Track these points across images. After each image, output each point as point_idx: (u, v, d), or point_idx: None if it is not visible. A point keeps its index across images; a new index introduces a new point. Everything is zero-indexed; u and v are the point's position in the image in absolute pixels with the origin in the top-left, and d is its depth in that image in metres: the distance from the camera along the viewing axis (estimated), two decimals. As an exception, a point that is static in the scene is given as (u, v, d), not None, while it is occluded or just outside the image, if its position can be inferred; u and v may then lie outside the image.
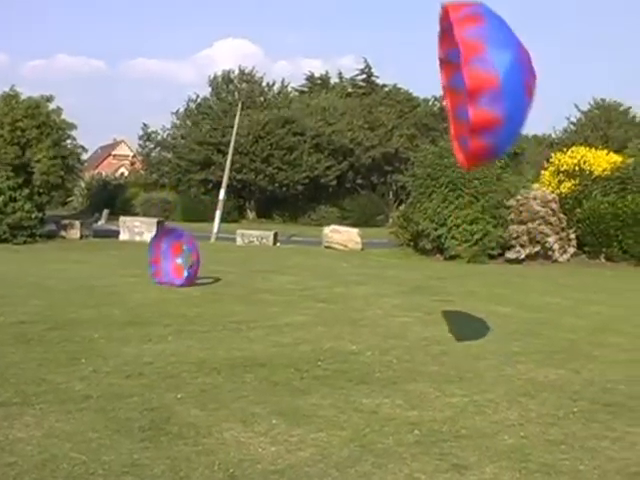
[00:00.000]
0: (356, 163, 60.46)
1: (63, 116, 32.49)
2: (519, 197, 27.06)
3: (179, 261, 16.92)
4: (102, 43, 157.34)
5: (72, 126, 32.68)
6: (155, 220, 34.22)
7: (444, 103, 9.29)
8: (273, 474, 5.50)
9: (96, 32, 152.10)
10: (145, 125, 61.87)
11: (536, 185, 29.57)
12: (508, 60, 7.25)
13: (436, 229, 26.78)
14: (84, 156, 39.41)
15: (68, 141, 32.79)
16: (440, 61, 8.72)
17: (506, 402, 7.63)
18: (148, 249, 17.39)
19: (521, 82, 7.42)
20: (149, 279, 16.72)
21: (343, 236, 32.01)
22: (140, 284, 16.61)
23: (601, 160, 29.65)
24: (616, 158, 30.14)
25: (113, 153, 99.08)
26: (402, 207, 34.40)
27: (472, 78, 7.21)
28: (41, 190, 30.97)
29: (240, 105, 45.05)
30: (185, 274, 16.53)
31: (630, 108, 65.42)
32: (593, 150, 31.02)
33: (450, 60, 8.25)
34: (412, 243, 28.82)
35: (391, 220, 36.36)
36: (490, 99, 7.22)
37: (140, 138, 62.57)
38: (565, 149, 32.00)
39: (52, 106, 32.32)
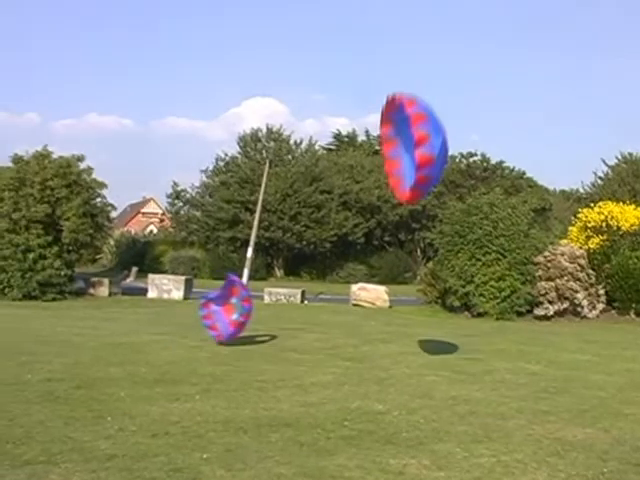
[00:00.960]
0: (383, 220, 60.55)
1: (93, 175, 32.82)
2: (547, 253, 26.93)
3: (233, 301, 16.56)
4: (132, 102, 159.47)
5: (102, 185, 32.94)
6: (183, 278, 34.37)
7: (385, 167, 13.25)
8: (298, 536, 5.46)
9: (126, 92, 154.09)
10: (175, 184, 62.39)
11: (564, 241, 29.44)
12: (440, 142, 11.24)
13: (463, 286, 26.69)
14: (113, 214, 39.69)
15: (98, 199, 33.04)
16: (382, 137, 12.81)
17: (534, 462, 7.53)
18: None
19: (444, 148, 11.51)
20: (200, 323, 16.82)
21: (371, 294, 31.96)
22: (168, 342, 16.65)
23: (629, 215, 29.49)
24: (644, 212, 29.97)
25: (142, 211, 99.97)
26: (430, 264, 34.34)
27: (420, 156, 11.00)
28: (70, 248, 31.20)
29: (268, 163, 45.31)
30: (234, 316, 16.23)
31: (659, 162, 65.13)
32: (621, 204, 30.87)
33: (390, 138, 12.49)
34: (440, 300, 28.72)
35: (419, 277, 36.30)
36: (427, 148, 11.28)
37: (169, 197, 63.03)
38: (592, 204, 31.86)
39: (83, 165, 32.68)
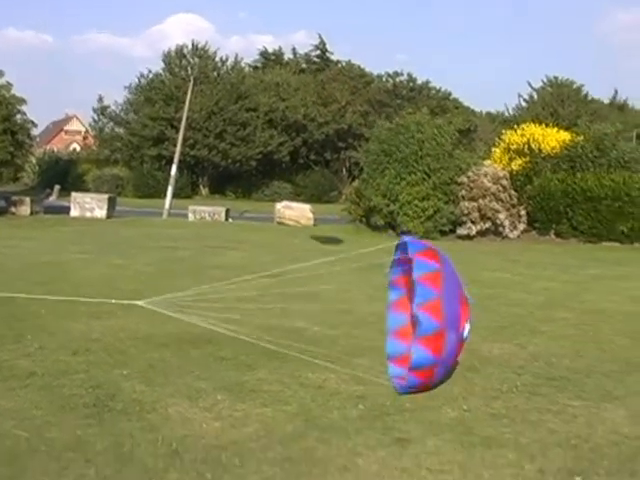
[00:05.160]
0: (309, 139, 60.49)
1: (13, 91, 32.03)
2: (470, 174, 27.19)
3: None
4: (51, 17, 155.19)
5: (22, 101, 32.23)
6: (106, 196, 33.98)
7: None
8: (216, 449, 5.51)
9: (44, 5, 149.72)
10: (101, 98, 61.41)
11: (487, 162, 29.73)
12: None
13: (388, 205, 26.87)
14: (35, 132, 38.96)
15: (18, 116, 32.31)
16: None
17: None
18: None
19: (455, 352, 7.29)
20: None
21: (295, 212, 32.02)
22: (90, 260, 16.50)
23: (551, 138, 29.91)
24: (565, 136, 30.39)
25: (65, 128, 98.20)
26: (355, 183, 34.47)
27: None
28: (-11, 166, 30.61)
29: (192, 80, 44.75)
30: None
31: (583, 86, 65.93)
32: (543, 127, 31.26)
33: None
34: (364, 219, 28.89)
35: (344, 196, 36.42)
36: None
37: (95, 111, 61.99)
38: (516, 126, 32.18)
39: (1, 81, 31.84)
